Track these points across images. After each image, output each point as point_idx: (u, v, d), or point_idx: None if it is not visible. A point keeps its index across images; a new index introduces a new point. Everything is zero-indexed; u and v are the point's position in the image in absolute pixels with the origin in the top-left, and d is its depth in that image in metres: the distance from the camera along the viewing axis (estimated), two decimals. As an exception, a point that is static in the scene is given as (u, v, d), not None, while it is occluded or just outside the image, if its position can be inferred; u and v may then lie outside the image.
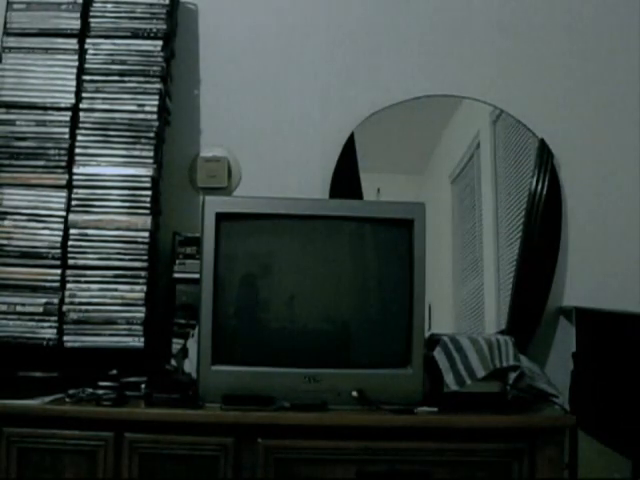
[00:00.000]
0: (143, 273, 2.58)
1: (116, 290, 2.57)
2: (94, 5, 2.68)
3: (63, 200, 2.59)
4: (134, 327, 2.55)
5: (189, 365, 2.45)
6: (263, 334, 2.34)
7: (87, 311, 2.55)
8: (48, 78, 2.64)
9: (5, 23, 2.66)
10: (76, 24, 2.66)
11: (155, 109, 2.64)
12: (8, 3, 2.67)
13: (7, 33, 2.66)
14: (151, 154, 2.62)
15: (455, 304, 2.88)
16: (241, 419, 2.21)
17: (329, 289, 2.38)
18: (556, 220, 2.84)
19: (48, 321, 2.54)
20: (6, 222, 2.57)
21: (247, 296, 2.37)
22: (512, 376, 2.35)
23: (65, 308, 2.55)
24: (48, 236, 2.57)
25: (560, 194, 2.85)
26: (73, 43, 2.65)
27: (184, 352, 2.52)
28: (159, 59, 2.67)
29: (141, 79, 2.65)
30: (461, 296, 2.88)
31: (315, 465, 2.22)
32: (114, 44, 2.66)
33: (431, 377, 2.35)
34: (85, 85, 2.64)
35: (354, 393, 2.28)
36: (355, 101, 2.88)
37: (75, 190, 2.60)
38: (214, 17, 2.91)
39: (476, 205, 2.90)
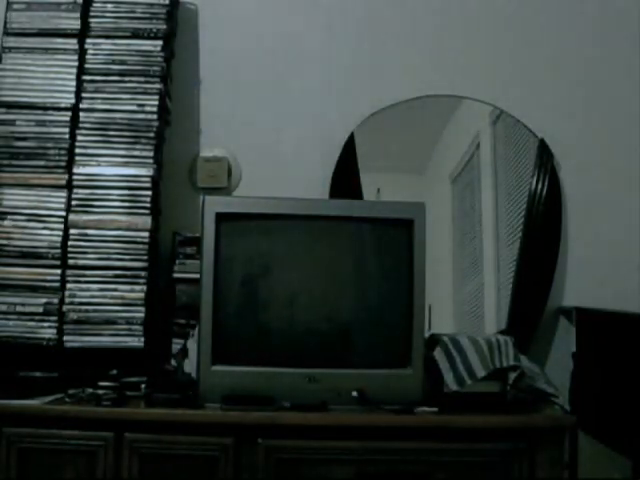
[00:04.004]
0: (143, 273, 2.58)
1: (116, 290, 2.57)
2: (94, 5, 2.68)
3: (63, 200, 2.59)
4: (134, 327, 2.55)
5: (189, 365, 2.45)
6: (263, 334, 2.35)
7: (87, 311, 2.55)
8: (48, 78, 2.64)
9: (5, 23, 2.66)
10: (76, 24, 2.66)
11: (155, 109, 2.64)
12: (8, 3, 2.67)
13: (7, 33, 2.66)
14: (151, 154, 2.62)
15: (455, 304, 2.88)
16: (241, 419, 2.21)
17: (329, 289, 2.38)
18: (556, 220, 2.84)
19: (48, 321, 2.54)
20: (6, 222, 2.57)
21: (247, 296, 2.37)
22: (512, 376, 2.35)
23: (65, 308, 2.55)
24: (48, 236, 2.57)
25: (560, 194, 2.85)
26: (73, 43, 2.65)
27: (184, 352, 2.52)
28: (159, 59, 2.67)
29: (141, 79, 2.65)
30: (461, 296, 2.88)
31: (315, 465, 2.22)
32: (114, 44, 2.66)
33: (431, 377, 2.35)
34: (85, 85, 2.64)
35: (354, 393, 2.28)
36: (355, 101, 2.88)
37: (75, 190, 2.60)
38: (214, 17, 2.90)
39: (476, 205, 2.90)
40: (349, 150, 2.84)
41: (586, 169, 2.89)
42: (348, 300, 2.41)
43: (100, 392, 2.28)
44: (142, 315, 2.56)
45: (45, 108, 2.62)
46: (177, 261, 2.68)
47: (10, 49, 2.65)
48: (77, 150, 2.62)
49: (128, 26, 2.67)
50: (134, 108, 2.64)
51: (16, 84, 2.63)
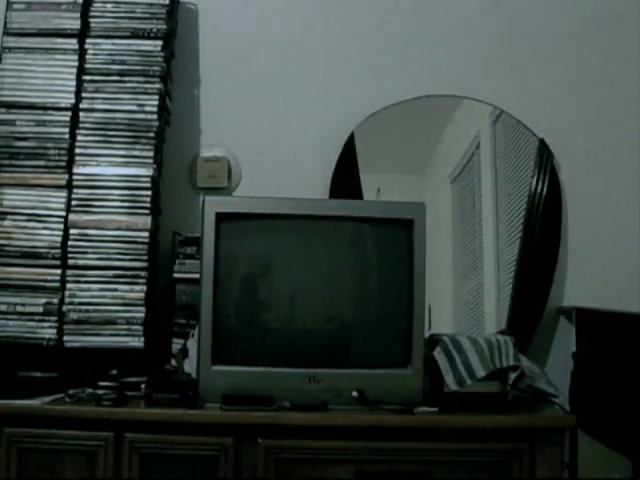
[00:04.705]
0: (143, 273, 2.58)
1: (116, 290, 2.57)
2: (94, 5, 2.68)
3: (63, 200, 2.59)
4: (134, 327, 2.55)
5: (189, 365, 2.45)
6: (263, 334, 2.35)
7: (87, 311, 2.55)
8: (48, 78, 2.64)
9: (5, 23, 2.66)
10: (76, 24, 2.66)
11: (155, 109, 2.64)
12: (8, 3, 2.67)
13: (7, 33, 2.66)
14: (151, 154, 2.62)
15: (455, 304, 2.88)
16: (241, 419, 2.21)
17: (329, 289, 2.38)
18: (556, 220, 2.84)
19: (48, 321, 2.54)
20: (6, 222, 2.57)
21: (247, 296, 2.37)
22: (512, 376, 2.35)
23: (65, 308, 2.55)
24: (48, 236, 2.57)
25: (560, 194, 2.85)
26: (73, 43, 2.65)
27: (184, 352, 2.52)
28: (159, 59, 2.67)
29: (141, 79, 2.65)
30: (461, 296, 2.88)
31: (315, 465, 2.22)
32: (114, 44, 2.66)
33: (431, 377, 2.35)
34: (85, 85, 2.64)
35: (354, 393, 2.28)
36: (355, 101, 2.88)
37: (75, 190, 2.60)
38: (214, 17, 2.91)
39: (476, 205, 2.90)
40: (349, 150, 2.84)
41: (586, 169, 2.89)
42: (348, 300, 2.41)
43: (100, 392, 2.27)
44: (142, 315, 2.56)
45: (45, 108, 2.62)
46: (177, 261, 2.68)
47: (10, 49, 2.65)
48: (77, 150, 2.62)
49: (128, 26, 2.67)
50: (134, 108, 2.64)
51: (16, 84, 2.63)
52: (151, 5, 2.68)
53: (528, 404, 2.38)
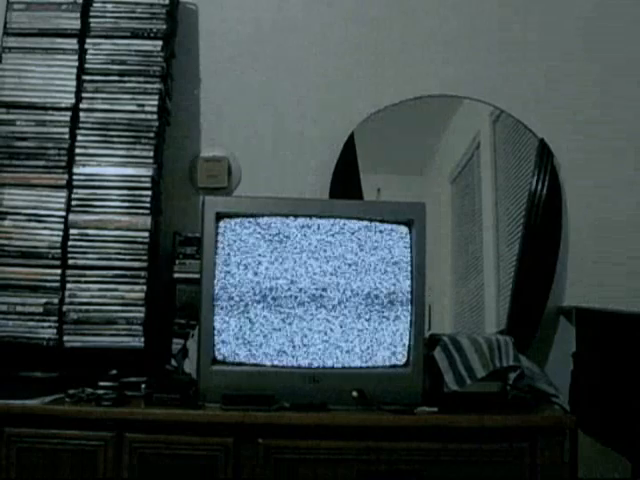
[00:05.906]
0: (143, 273, 2.58)
1: (116, 290, 2.57)
2: (94, 5, 2.68)
3: (63, 200, 2.59)
4: (134, 327, 2.55)
5: (189, 365, 2.45)
6: (263, 334, 2.34)
7: (87, 311, 2.55)
8: (48, 78, 2.64)
9: (5, 23, 2.67)
10: (76, 24, 2.66)
11: (155, 109, 2.64)
12: (8, 3, 2.67)
13: (7, 33, 2.66)
14: (151, 154, 2.62)
15: (455, 304, 2.88)
16: (241, 419, 2.21)
17: (329, 289, 2.38)
18: (556, 220, 2.84)
19: (48, 321, 2.54)
20: (6, 222, 2.57)
21: (247, 296, 2.37)
22: (512, 376, 2.35)
23: (65, 308, 2.55)
24: (48, 236, 2.57)
25: (560, 194, 2.85)
26: (73, 43, 2.65)
27: (184, 352, 2.52)
28: (159, 59, 2.67)
29: (141, 79, 2.65)
30: (461, 296, 2.88)
31: (315, 465, 2.22)
32: (114, 44, 2.67)
33: (431, 377, 2.36)
34: (85, 85, 2.64)
35: (354, 393, 2.28)
36: (355, 101, 2.88)
37: (75, 190, 2.60)
38: (214, 17, 2.91)
39: (476, 205, 2.90)
40: (349, 150, 2.84)
41: (586, 169, 2.89)
42: (348, 300, 2.40)
43: (100, 392, 2.27)
44: (142, 315, 2.56)
45: (45, 108, 2.62)
46: (177, 261, 2.68)
47: (10, 49, 2.65)
48: (77, 150, 2.62)
49: (128, 26, 2.68)
50: (134, 108, 2.64)
51: (16, 84, 2.63)
52: (151, 5, 2.68)
53: (528, 404, 2.38)
